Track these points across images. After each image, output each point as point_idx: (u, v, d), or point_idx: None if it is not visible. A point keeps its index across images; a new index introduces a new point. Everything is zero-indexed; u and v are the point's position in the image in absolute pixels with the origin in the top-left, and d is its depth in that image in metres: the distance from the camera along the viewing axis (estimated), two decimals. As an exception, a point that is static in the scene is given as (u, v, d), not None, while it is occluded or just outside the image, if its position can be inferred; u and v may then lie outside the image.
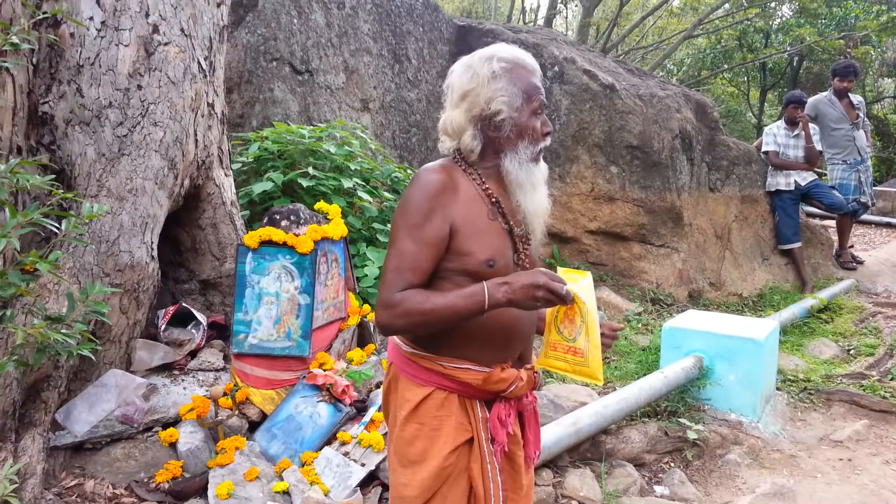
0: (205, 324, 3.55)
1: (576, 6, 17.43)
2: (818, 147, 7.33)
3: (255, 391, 3.21)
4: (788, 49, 14.12)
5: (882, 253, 8.32)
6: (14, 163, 2.16)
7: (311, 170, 4.24)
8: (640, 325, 5.70)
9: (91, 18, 3.28)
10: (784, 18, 15.01)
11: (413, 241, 1.63)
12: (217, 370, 3.47)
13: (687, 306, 6.27)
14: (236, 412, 3.16)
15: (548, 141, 1.81)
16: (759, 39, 15.33)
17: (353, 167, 4.56)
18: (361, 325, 3.77)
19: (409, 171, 5.12)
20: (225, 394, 3.17)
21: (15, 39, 2.41)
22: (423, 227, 1.64)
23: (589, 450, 3.51)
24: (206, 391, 3.24)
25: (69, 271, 2.95)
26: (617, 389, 3.92)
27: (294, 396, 3.18)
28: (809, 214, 8.47)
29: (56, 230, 2.26)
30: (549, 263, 6.15)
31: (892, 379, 4.65)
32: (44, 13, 2.93)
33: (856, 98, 7.59)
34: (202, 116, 3.61)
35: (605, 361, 1.74)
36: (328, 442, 3.06)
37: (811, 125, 7.31)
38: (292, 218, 3.48)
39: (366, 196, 4.40)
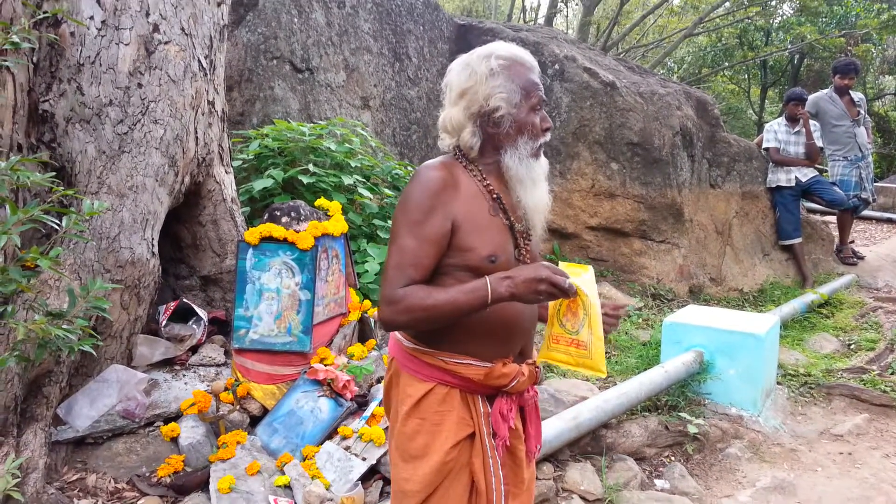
0: (205, 319, 3.56)
1: (576, 5, 17.44)
2: (819, 143, 7.33)
3: (256, 386, 3.22)
4: (789, 47, 14.11)
5: (882, 248, 8.32)
6: (15, 160, 2.17)
7: (311, 167, 4.25)
8: (640, 321, 5.71)
9: (91, 18, 3.30)
10: (785, 17, 14.99)
11: (414, 238, 1.64)
12: (218, 365, 3.48)
13: (687, 301, 6.27)
14: (237, 407, 3.17)
15: (547, 136, 1.82)
16: (759, 38, 15.31)
17: (353, 164, 4.57)
18: (362, 321, 3.79)
19: (409, 168, 5.13)
20: (226, 389, 3.18)
21: (15, 38, 2.42)
22: (425, 223, 1.64)
23: (589, 444, 3.52)
24: (208, 386, 3.25)
25: (70, 267, 2.97)
26: (617, 384, 3.92)
27: (295, 391, 3.19)
28: (810, 210, 8.46)
29: (57, 227, 2.27)
30: (550, 259, 6.16)
31: (892, 373, 4.65)
32: (44, 12, 2.95)
33: (857, 95, 7.59)
34: (202, 114, 3.63)
35: (606, 356, 1.73)
36: (329, 436, 3.07)
37: (812, 122, 7.31)
38: (293, 214, 3.50)
39: (366, 193, 4.41)
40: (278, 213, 3.50)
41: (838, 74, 7.44)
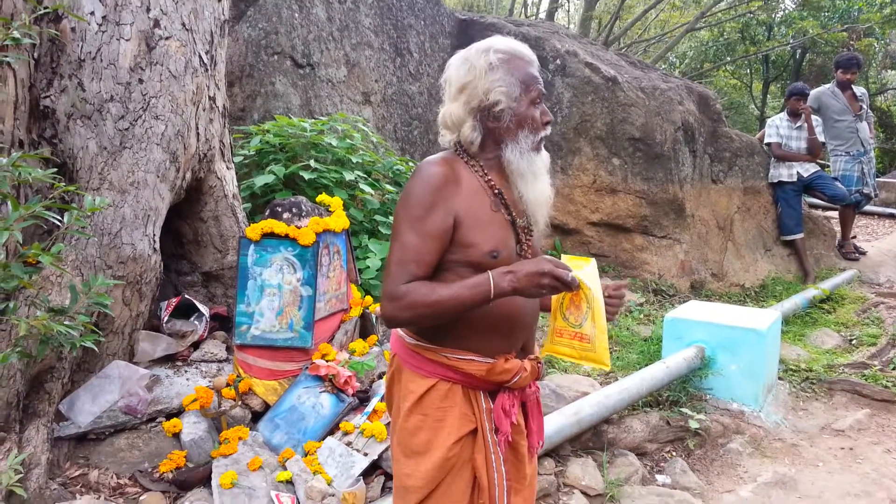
0: (207, 315, 3.56)
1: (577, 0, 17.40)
2: (821, 138, 7.31)
3: (258, 382, 3.23)
4: (791, 42, 14.07)
5: (884, 244, 8.31)
6: (16, 156, 2.17)
7: (312, 163, 4.25)
8: (642, 316, 5.71)
9: (92, 13, 3.30)
10: (787, 11, 14.93)
11: (416, 234, 1.64)
12: (220, 361, 3.49)
13: (689, 297, 6.27)
14: (239, 403, 3.18)
15: (548, 130, 1.82)
16: (761, 32, 15.27)
17: (354, 160, 4.56)
18: (363, 317, 3.79)
19: (410, 163, 5.12)
20: (228, 384, 3.19)
21: (16, 34, 2.42)
22: (426, 219, 1.64)
23: (591, 439, 3.53)
24: (210, 382, 3.26)
25: (72, 263, 2.97)
26: (619, 379, 3.93)
27: (297, 387, 3.20)
28: (812, 205, 8.45)
29: (58, 223, 2.27)
30: (552, 255, 6.15)
31: (893, 368, 4.64)
32: (45, 8, 2.95)
33: (859, 90, 7.57)
34: (203, 110, 3.62)
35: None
36: (331, 432, 3.08)
37: (814, 117, 7.29)
38: (294, 210, 3.50)
39: (367, 188, 4.41)
40: (280, 209, 3.50)
41: (840, 69, 7.42)
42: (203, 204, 3.78)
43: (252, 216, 4.13)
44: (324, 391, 3.15)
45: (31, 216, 2.11)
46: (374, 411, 3.09)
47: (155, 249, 3.30)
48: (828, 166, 7.99)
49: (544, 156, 1.83)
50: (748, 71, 17.29)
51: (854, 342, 5.40)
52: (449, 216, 1.66)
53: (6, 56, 2.71)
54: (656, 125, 6.46)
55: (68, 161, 3.20)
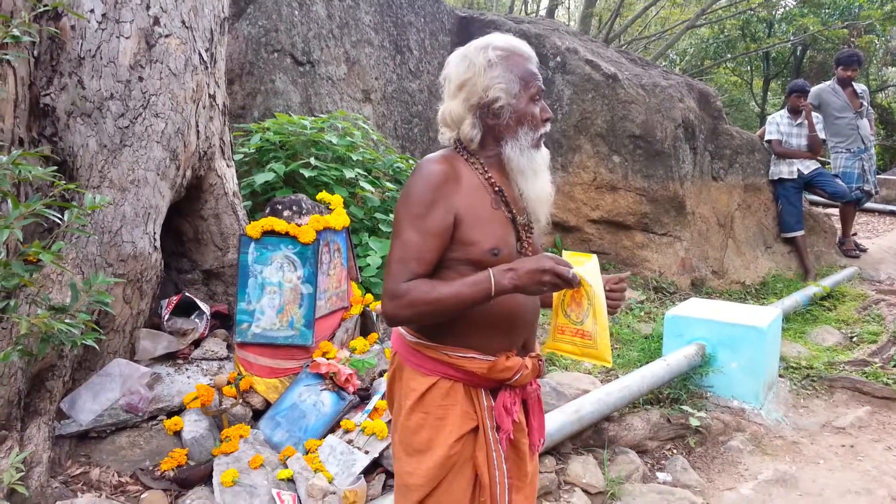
0: (208, 313, 3.56)
1: (578, -4, 17.37)
2: (821, 136, 7.31)
3: (259, 380, 3.23)
4: (792, 38, 14.05)
5: (885, 241, 8.31)
6: (16, 154, 2.17)
7: (312, 160, 4.24)
8: (642, 314, 5.71)
9: (92, 11, 3.29)
10: (787, 8, 14.91)
11: (417, 232, 1.63)
12: (221, 359, 3.48)
13: (689, 294, 6.27)
14: (240, 401, 3.18)
15: (547, 127, 1.82)
16: (762, 29, 15.25)
17: (354, 158, 4.56)
18: (364, 315, 3.79)
19: (411, 161, 5.12)
20: (229, 382, 3.18)
21: (16, 32, 2.41)
22: (427, 217, 1.64)
23: (591, 437, 3.53)
24: (210, 380, 3.26)
25: (72, 262, 2.97)
26: (619, 377, 3.93)
27: (298, 385, 3.20)
28: (812, 203, 8.45)
29: (59, 221, 2.27)
30: (552, 252, 6.15)
31: (894, 366, 4.64)
32: (45, 6, 2.94)
33: (859, 87, 7.56)
34: (203, 108, 3.62)
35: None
36: (332, 430, 3.07)
37: (815, 114, 7.29)
38: (294, 208, 3.49)
39: (368, 186, 4.40)
40: (280, 207, 3.50)
41: (841, 66, 7.41)
42: (203, 202, 3.78)
43: (252, 214, 4.13)
44: (325, 389, 3.15)
45: (32, 214, 2.11)
46: (375, 409, 3.09)
47: (155, 247, 3.30)
48: (828, 163, 7.98)
49: (544, 152, 1.83)
50: (749, 68, 17.27)
51: (855, 339, 5.40)
52: (449, 214, 1.66)
53: (6, 54, 2.70)
54: (657, 122, 6.46)
55: (68, 159, 3.20)
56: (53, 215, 2.16)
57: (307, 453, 2.94)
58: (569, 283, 1.58)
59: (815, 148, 7.24)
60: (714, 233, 6.94)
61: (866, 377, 4.50)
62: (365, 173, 4.58)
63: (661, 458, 3.61)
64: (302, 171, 4.14)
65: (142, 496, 2.71)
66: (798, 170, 7.24)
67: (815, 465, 3.63)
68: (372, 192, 4.46)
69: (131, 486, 2.77)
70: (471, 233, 1.68)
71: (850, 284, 6.78)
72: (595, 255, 1.71)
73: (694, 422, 3.74)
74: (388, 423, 2.93)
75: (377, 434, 2.93)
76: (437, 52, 6.52)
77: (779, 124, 7.36)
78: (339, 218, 3.58)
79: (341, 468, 2.82)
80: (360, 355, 3.42)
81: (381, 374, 3.41)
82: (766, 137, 7.50)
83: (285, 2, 5.22)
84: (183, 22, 3.50)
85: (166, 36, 3.42)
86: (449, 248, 1.68)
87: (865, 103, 7.49)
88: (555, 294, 1.77)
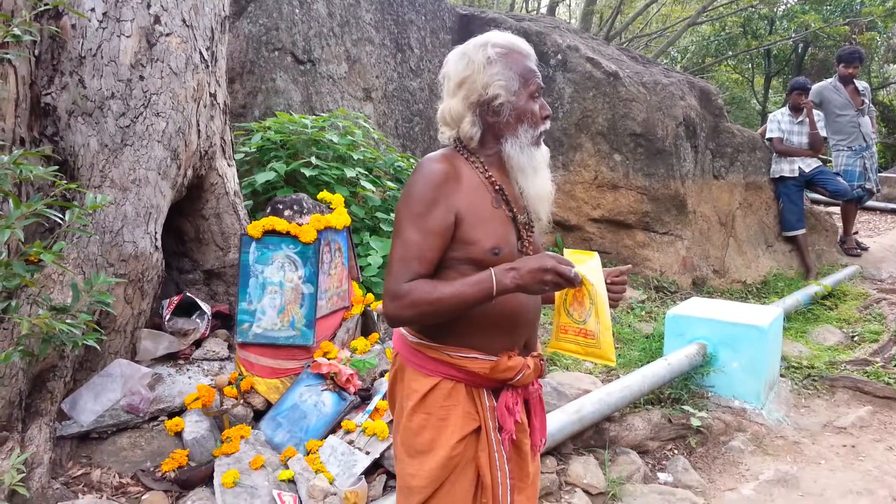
0: (209, 313, 3.56)
1: (579, -6, 17.33)
2: (823, 133, 7.30)
3: (260, 380, 3.22)
4: (793, 36, 14.02)
5: (887, 239, 8.30)
6: (17, 154, 2.16)
7: (313, 159, 4.24)
8: (643, 313, 5.71)
9: (93, 10, 3.28)
10: (789, 5, 14.88)
11: (418, 231, 1.63)
12: (222, 359, 3.48)
13: (691, 294, 6.26)
14: (241, 401, 3.17)
15: (547, 124, 1.82)
16: (763, 26, 15.21)
17: (355, 157, 4.55)
18: (365, 314, 3.78)
19: (411, 160, 5.11)
20: (230, 383, 3.18)
21: (17, 31, 2.40)
22: (428, 216, 1.63)
23: (592, 437, 3.53)
24: (211, 380, 3.26)
25: (73, 262, 2.96)
26: (620, 377, 3.92)
27: (298, 385, 3.19)
28: (814, 201, 8.44)
29: (60, 221, 2.27)
30: (553, 251, 6.15)
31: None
32: (45, 4, 2.93)
33: (861, 84, 7.55)
34: (204, 107, 3.61)
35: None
36: (333, 430, 3.07)
37: (816, 112, 7.28)
38: (295, 207, 3.49)
39: (369, 185, 4.40)
40: (281, 207, 3.49)
41: (842, 63, 7.40)
42: (204, 201, 3.77)
43: (253, 213, 4.13)
44: (326, 389, 3.15)
45: (33, 214, 2.10)
46: (376, 409, 3.09)
47: (157, 247, 3.30)
48: (830, 161, 7.97)
49: (544, 150, 1.83)
50: (750, 65, 17.24)
51: (856, 339, 5.40)
52: (450, 213, 1.65)
53: (7, 53, 2.70)
54: (658, 120, 6.45)
55: (69, 159, 3.20)
56: (54, 215, 2.16)
57: (308, 454, 2.93)
58: (571, 282, 1.58)
59: (816, 146, 7.24)
60: (715, 231, 6.93)
61: (868, 377, 4.50)
62: (366, 172, 4.58)
63: (662, 459, 3.61)
64: (303, 170, 4.14)
65: (143, 497, 2.71)
66: (799, 168, 7.23)
67: (817, 466, 3.63)
68: (373, 192, 4.45)
69: (132, 488, 2.77)
70: (472, 232, 1.67)
71: (851, 283, 6.78)
72: (597, 254, 1.71)
73: (695, 422, 3.73)
74: (389, 423, 2.93)
75: (378, 434, 2.93)
76: (437, 50, 6.51)
77: (780, 122, 7.35)
78: (340, 217, 3.57)
79: (342, 469, 2.82)
80: (361, 355, 3.42)
81: (382, 375, 3.41)
82: (768, 135, 7.49)
83: (286, 0, 5.21)
84: (184, 20, 3.49)
85: (167, 35, 3.41)
86: (450, 247, 1.67)
87: (867, 101, 7.48)
88: (557, 293, 1.76)
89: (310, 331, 3.30)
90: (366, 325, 3.80)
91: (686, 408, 3.87)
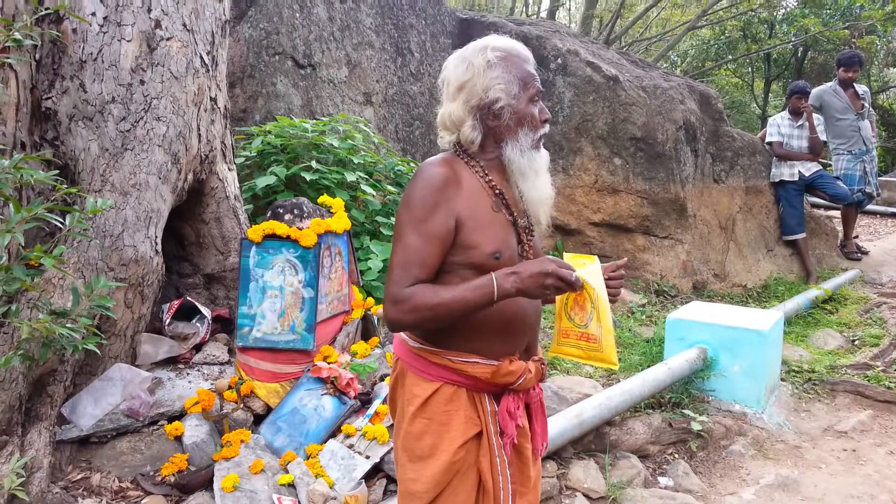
0: (209, 317, 3.56)
1: (579, -2, 17.36)
2: (822, 137, 7.30)
3: (260, 384, 3.22)
4: (793, 39, 14.03)
5: (887, 243, 8.30)
6: (18, 158, 2.17)
7: (314, 164, 4.24)
8: (644, 317, 5.70)
9: (93, 14, 3.29)
10: (788, 9, 14.90)
11: (419, 236, 1.63)
12: (222, 364, 3.48)
13: (691, 298, 6.26)
14: (241, 405, 3.17)
15: (546, 128, 1.82)
16: (763, 30, 15.23)
17: (356, 161, 4.56)
18: (365, 318, 3.78)
19: (412, 164, 5.12)
20: (230, 387, 3.18)
21: (18, 35, 2.41)
22: (428, 221, 1.63)
23: (593, 441, 3.52)
24: (211, 385, 3.25)
25: (74, 266, 2.96)
26: (621, 381, 3.92)
27: (298, 389, 3.19)
28: (814, 205, 8.45)
29: (60, 225, 2.27)
30: (553, 255, 6.15)
31: (896, 369, 4.64)
32: (46, 9, 2.94)
33: (861, 88, 7.55)
34: (205, 111, 3.62)
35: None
36: (333, 434, 3.07)
37: (816, 115, 7.28)
38: (296, 212, 3.49)
39: (369, 189, 4.40)
40: (281, 211, 3.49)
41: (842, 67, 7.41)
42: (205, 205, 3.77)
43: (254, 218, 4.13)
44: (326, 393, 3.14)
45: (33, 218, 2.11)
46: (376, 414, 3.09)
47: (157, 251, 3.30)
48: (830, 165, 7.97)
49: (544, 154, 1.84)
50: (750, 69, 17.26)
51: (857, 343, 5.39)
52: (451, 217, 1.65)
53: (8, 57, 2.70)
54: (658, 124, 6.45)
55: (70, 163, 3.20)
56: (55, 219, 2.16)
57: (308, 458, 2.93)
58: (572, 286, 1.58)
59: (816, 150, 7.24)
60: (715, 235, 6.93)
61: (868, 381, 4.49)
62: (366, 176, 4.58)
63: (662, 463, 3.60)
64: (303, 174, 4.14)
65: (142, 502, 2.71)
66: (799, 172, 7.24)
67: (817, 470, 3.62)
68: (373, 196, 4.46)
69: (132, 492, 2.77)
70: (472, 236, 1.67)
71: (851, 287, 6.77)
72: (597, 258, 1.70)
73: (696, 426, 3.73)
74: (390, 427, 2.93)
75: (378, 439, 2.92)
76: (438, 54, 6.52)
77: (780, 126, 7.36)
78: (341, 221, 3.57)
79: (342, 473, 2.82)
80: (361, 359, 3.41)
81: (382, 379, 3.40)
82: (767, 139, 7.49)
83: (286, 4, 5.22)
84: (184, 25, 3.50)
85: (167, 39, 3.42)
86: (450, 252, 1.67)
87: (867, 105, 7.49)
88: (558, 298, 1.76)
89: (310, 335, 3.30)
90: (366, 330, 3.80)
91: (687, 412, 3.86)
